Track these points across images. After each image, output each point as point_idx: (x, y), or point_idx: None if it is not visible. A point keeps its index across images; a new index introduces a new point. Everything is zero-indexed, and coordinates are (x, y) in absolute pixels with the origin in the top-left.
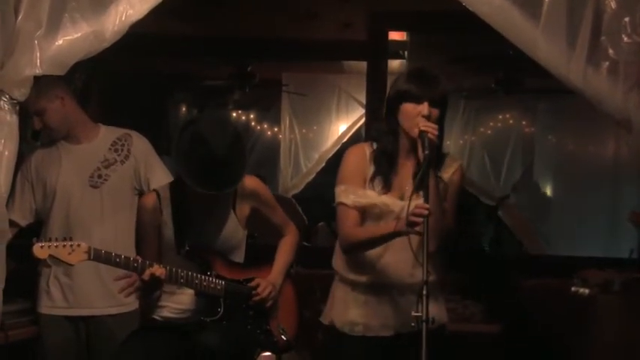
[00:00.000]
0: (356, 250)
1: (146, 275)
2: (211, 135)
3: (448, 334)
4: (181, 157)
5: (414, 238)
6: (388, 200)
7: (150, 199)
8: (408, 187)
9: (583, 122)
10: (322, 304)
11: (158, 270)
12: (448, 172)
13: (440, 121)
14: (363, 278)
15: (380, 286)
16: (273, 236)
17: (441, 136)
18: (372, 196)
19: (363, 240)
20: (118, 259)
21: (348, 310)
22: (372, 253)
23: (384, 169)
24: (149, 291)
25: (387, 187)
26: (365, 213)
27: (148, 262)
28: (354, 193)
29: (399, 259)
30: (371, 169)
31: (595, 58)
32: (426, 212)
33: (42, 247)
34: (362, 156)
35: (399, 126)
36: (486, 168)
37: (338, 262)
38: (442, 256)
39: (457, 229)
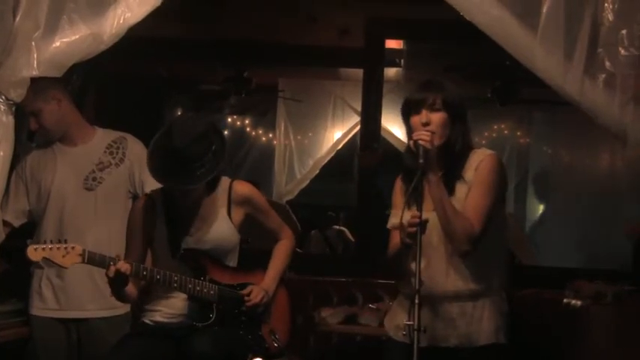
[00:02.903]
0: (393, 266)
1: (110, 271)
2: (177, 128)
3: (502, 356)
4: (149, 148)
5: (446, 248)
6: (407, 214)
7: (142, 203)
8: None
9: (578, 134)
10: (314, 310)
11: (123, 266)
12: (471, 169)
13: (456, 123)
14: (407, 289)
15: (426, 297)
16: (268, 241)
17: (460, 138)
18: (405, 214)
19: (391, 257)
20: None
21: (397, 315)
22: (413, 265)
23: (408, 186)
24: (116, 288)
25: (419, 203)
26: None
27: (109, 258)
28: (395, 215)
29: (432, 270)
30: (405, 189)
31: (592, 70)
32: (417, 221)
33: (36, 249)
34: (400, 179)
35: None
36: None
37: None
38: (491, 263)
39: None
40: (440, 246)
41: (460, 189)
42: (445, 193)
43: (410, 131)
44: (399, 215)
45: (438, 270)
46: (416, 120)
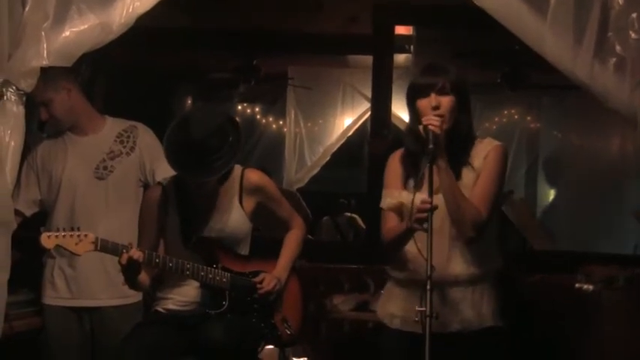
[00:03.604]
0: (391, 250)
1: (123, 259)
2: (193, 120)
3: (498, 338)
4: (165, 140)
5: (449, 232)
6: (417, 198)
7: (154, 192)
8: (438, 183)
9: (589, 118)
10: (326, 298)
11: (135, 253)
12: (479, 157)
13: (462, 107)
14: (402, 275)
15: (418, 282)
16: (279, 230)
17: (466, 122)
18: (404, 196)
19: (391, 240)
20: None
21: (390, 302)
22: (410, 250)
23: (410, 169)
24: (128, 276)
25: (417, 186)
26: (402, 213)
27: (121, 245)
28: (390, 196)
29: (435, 255)
30: (403, 171)
31: (602, 54)
32: (428, 207)
33: (49, 236)
34: (396, 159)
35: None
36: None
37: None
38: (490, 247)
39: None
40: (442, 231)
41: (467, 175)
42: (454, 179)
43: (415, 115)
44: (396, 196)
45: (440, 255)
46: (424, 103)
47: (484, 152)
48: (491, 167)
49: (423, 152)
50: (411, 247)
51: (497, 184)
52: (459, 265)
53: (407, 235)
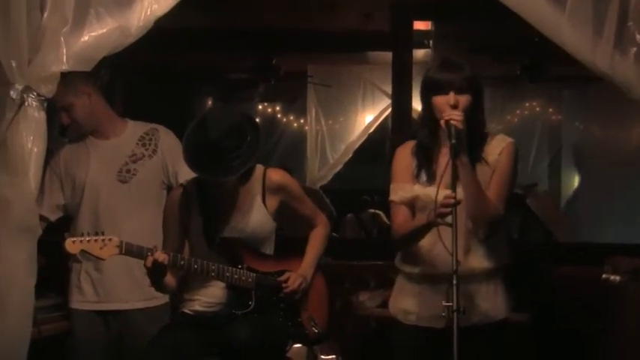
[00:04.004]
0: (405, 244)
1: (148, 262)
2: (211, 121)
3: (509, 330)
4: (183, 140)
5: (465, 227)
6: (431, 192)
7: (176, 193)
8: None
9: (610, 108)
10: (352, 295)
11: (160, 256)
12: (493, 154)
13: (477, 105)
14: (416, 269)
15: (433, 277)
16: (303, 228)
17: (481, 119)
18: (416, 189)
19: (406, 234)
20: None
21: (403, 298)
22: (424, 244)
23: (424, 163)
24: (154, 278)
25: (430, 179)
26: (413, 207)
27: (146, 248)
28: (402, 189)
29: (450, 249)
30: (414, 164)
31: (622, 44)
32: (452, 201)
33: (74, 242)
34: (407, 153)
35: (435, 119)
36: None
37: (397, 255)
38: (501, 243)
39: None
40: (458, 226)
41: (482, 171)
42: (475, 174)
43: (428, 109)
44: (408, 189)
45: (458, 251)
46: (441, 100)
47: (498, 148)
48: (506, 164)
49: (435, 146)
50: (424, 242)
51: (511, 181)
52: (475, 260)
53: (426, 229)
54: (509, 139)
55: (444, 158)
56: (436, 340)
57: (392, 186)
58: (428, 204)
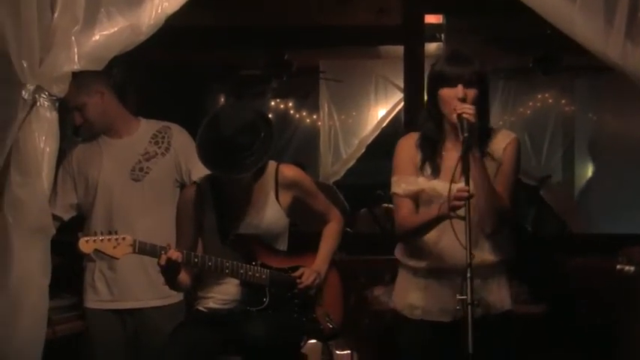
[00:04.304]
0: (410, 237)
1: (162, 260)
2: (224, 118)
3: (514, 321)
4: (197, 138)
5: (462, 221)
6: (437, 185)
7: (189, 191)
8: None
9: (623, 99)
10: (367, 290)
11: (174, 254)
12: (498, 149)
13: (483, 99)
14: (422, 264)
15: (439, 271)
16: (317, 223)
17: (486, 114)
18: (421, 182)
19: (414, 227)
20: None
21: (409, 293)
22: (430, 238)
23: (429, 155)
24: (168, 276)
25: (435, 173)
26: (418, 200)
27: (160, 247)
28: (406, 181)
29: (456, 243)
30: (419, 157)
31: (633, 33)
32: (466, 195)
33: (87, 241)
34: (410, 145)
35: (441, 111)
36: (527, 148)
37: (399, 249)
38: (505, 237)
39: (514, 207)
40: (459, 221)
41: (488, 165)
42: (486, 169)
43: (434, 101)
44: (412, 182)
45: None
46: (449, 93)
47: (503, 144)
48: (511, 160)
49: (440, 139)
50: (430, 235)
51: (516, 176)
52: (482, 253)
53: (435, 222)
54: (513, 135)
55: (448, 152)
56: (443, 333)
57: (394, 178)
58: (434, 197)
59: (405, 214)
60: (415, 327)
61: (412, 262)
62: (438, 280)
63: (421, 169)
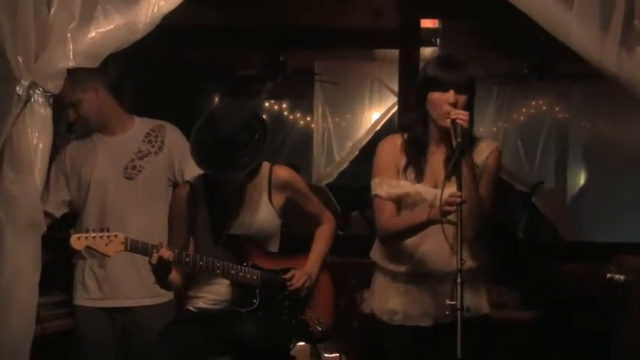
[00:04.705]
0: (393, 240)
1: (153, 259)
2: (219, 118)
3: (491, 324)
4: (192, 138)
5: (450, 226)
6: (421, 189)
7: (182, 190)
8: (440, 176)
9: (617, 107)
10: (358, 293)
11: (165, 253)
12: (482, 156)
13: (469, 106)
14: (402, 268)
15: (419, 275)
16: (309, 225)
17: (471, 121)
18: (405, 185)
19: (399, 230)
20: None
21: (388, 298)
22: (411, 242)
23: (415, 159)
24: (159, 275)
25: (419, 177)
26: (400, 203)
27: (151, 245)
28: (388, 184)
29: (437, 248)
30: (403, 160)
31: (628, 42)
32: (458, 200)
33: (79, 238)
34: (394, 147)
35: (428, 115)
36: (520, 154)
37: (377, 252)
38: (483, 243)
39: (494, 214)
40: (447, 225)
41: None
42: (476, 175)
43: (422, 104)
44: (395, 185)
45: (445, 249)
46: (439, 97)
47: (486, 152)
48: (494, 168)
49: (426, 142)
50: (410, 239)
51: (497, 184)
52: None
53: (424, 226)
54: (495, 144)
55: (432, 155)
56: (425, 337)
57: (376, 180)
58: (418, 201)
59: (387, 216)
60: (396, 332)
61: (392, 266)
62: (417, 285)
63: (404, 172)
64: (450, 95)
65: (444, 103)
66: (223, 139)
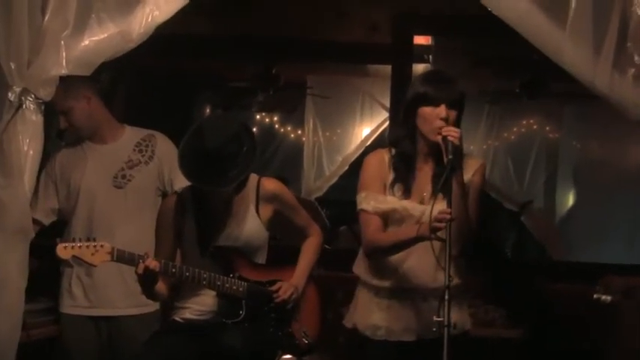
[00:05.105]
0: (379, 256)
1: (140, 269)
2: (208, 129)
3: (471, 341)
4: (179, 149)
5: (437, 242)
6: (408, 205)
7: (170, 201)
8: (427, 192)
9: (608, 128)
10: (344, 306)
11: (152, 263)
12: (468, 173)
13: (457, 122)
14: (386, 283)
15: (403, 291)
16: (296, 238)
17: (459, 138)
18: (392, 201)
19: (386, 245)
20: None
21: (371, 314)
22: (395, 257)
23: (403, 174)
24: (145, 285)
25: (406, 192)
26: (387, 218)
27: (138, 255)
28: (375, 199)
29: (422, 264)
30: (390, 175)
31: (621, 64)
32: (448, 217)
33: (65, 247)
34: (381, 162)
35: (417, 130)
36: (510, 173)
37: (360, 267)
38: (464, 260)
39: (479, 232)
40: (433, 242)
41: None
42: (466, 193)
43: (411, 119)
44: (381, 200)
45: (430, 265)
46: (430, 112)
47: (472, 168)
48: (479, 185)
49: (414, 157)
50: (398, 255)
51: (482, 202)
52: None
53: (412, 242)
54: (482, 160)
55: (419, 171)
56: (408, 352)
57: (362, 194)
58: (405, 217)
59: (374, 231)
60: (379, 348)
61: (375, 281)
62: (400, 301)
63: (391, 187)
64: (442, 110)
65: (435, 118)
66: (211, 151)
